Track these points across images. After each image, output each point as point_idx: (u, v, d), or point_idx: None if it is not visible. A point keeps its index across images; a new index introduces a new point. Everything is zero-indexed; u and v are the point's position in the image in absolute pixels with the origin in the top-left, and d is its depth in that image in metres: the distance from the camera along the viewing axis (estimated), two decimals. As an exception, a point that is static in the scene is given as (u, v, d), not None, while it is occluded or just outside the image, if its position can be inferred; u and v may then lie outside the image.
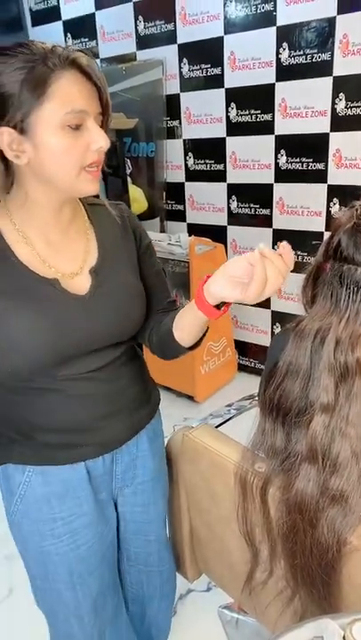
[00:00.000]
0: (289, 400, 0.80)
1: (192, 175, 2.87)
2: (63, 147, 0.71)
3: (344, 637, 0.49)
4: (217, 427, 1.29)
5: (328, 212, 2.43)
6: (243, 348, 3.04)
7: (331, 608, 0.78)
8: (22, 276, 0.78)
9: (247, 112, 2.54)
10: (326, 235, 0.82)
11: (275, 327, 2.86)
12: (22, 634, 1.53)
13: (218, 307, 0.79)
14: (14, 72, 0.67)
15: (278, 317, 2.82)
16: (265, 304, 2.81)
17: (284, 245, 0.72)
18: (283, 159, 2.50)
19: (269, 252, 0.70)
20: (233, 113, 2.59)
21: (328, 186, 2.39)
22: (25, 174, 0.75)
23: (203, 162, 2.80)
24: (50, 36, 3.13)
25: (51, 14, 3.09)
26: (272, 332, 2.88)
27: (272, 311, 2.83)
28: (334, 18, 2.14)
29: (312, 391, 0.77)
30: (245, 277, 0.71)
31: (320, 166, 2.39)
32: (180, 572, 1.21)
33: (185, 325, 0.87)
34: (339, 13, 2.12)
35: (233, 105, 2.57)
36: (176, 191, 2.97)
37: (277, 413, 0.83)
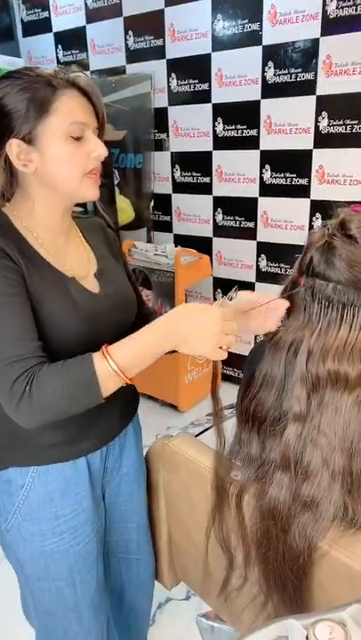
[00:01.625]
0: (264, 409, 0.83)
1: (179, 187, 2.92)
2: (67, 155, 0.80)
3: (307, 637, 0.51)
4: (197, 435, 1.31)
5: (311, 226, 2.49)
6: (227, 358, 3.06)
7: (302, 612, 0.80)
8: (51, 271, 0.84)
9: (233, 127, 2.60)
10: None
11: (258, 338, 2.90)
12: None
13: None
14: (20, 92, 0.76)
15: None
16: (249, 315, 2.84)
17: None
18: (267, 174, 2.55)
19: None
20: (220, 127, 2.64)
21: (311, 201, 2.45)
22: (32, 182, 0.83)
23: (189, 174, 2.85)
24: (41, 46, 3.17)
25: (42, 26, 3.13)
26: (255, 343, 2.92)
27: (256, 322, 2.87)
28: (318, 39, 2.21)
29: (286, 401, 0.80)
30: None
31: (303, 181, 2.45)
32: (159, 580, 1.22)
33: None
34: (322, 35, 2.20)
35: (220, 120, 2.63)
36: (163, 202, 3.01)
37: (253, 422, 0.85)
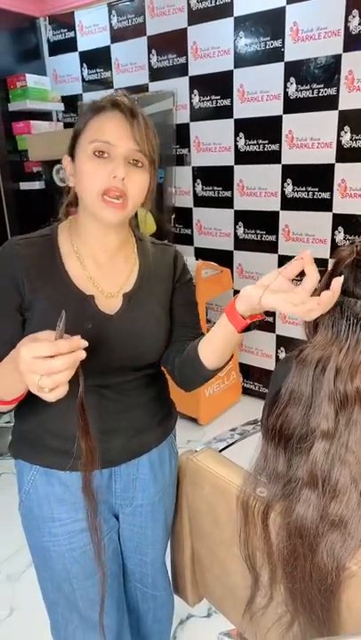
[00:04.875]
0: (291, 426, 0.83)
1: (200, 201, 2.95)
2: (87, 171, 0.82)
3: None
4: (220, 451, 1.31)
5: (333, 239, 2.48)
6: (247, 371, 3.06)
7: (330, 633, 0.78)
8: (66, 286, 0.87)
9: (255, 142, 2.62)
10: (331, 262, 0.85)
11: (279, 351, 2.88)
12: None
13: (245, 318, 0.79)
14: (84, 114, 0.86)
15: (283, 341, 2.84)
16: (269, 328, 2.84)
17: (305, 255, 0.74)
18: (289, 187, 2.56)
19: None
20: (241, 142, 2.67)
21: (333, 214, 2.45)
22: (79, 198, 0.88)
23: (211, 188, 2.88)
24: (66, 65, 3.26)
25: (68, 45, 3.22)
26: (276, 356, 2.90)
27: (277, 335, 2.86)
28: (340, 55, 2.23)
29: (313, 418, 0.79)
30: (277, 285, 0.74)
31: (325, 195, 2.45)
32: (181, 596, 1.21)
33: (212, 342, 0.87)
34: (345, 51, 2.21)
35: (241, 135, 2.66)
36: (184, 216, 3.04)
37: (279, 439, 0.85)
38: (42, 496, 0.93)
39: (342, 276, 0.75)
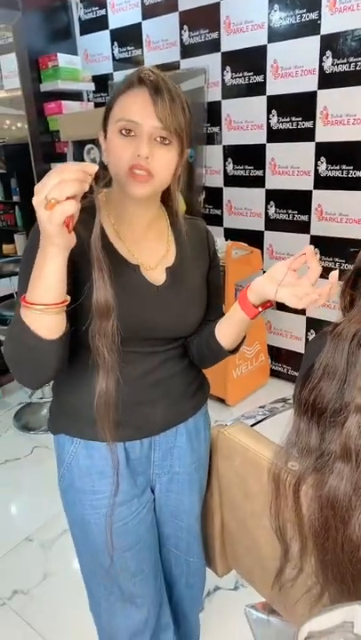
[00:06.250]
0: (324, 400, 0.83)
1: (231, 180, 2.91)
2: (115, 149, 0.83)
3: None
4: (252, 426, 1.32)
5: (367, 219, 2.42)
6: (276, 353, 3.04)
7: None
8: (113, 255, 0.88)
9: (288, 119, 2.56)
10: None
11: (309, 333, 2.85)
12: (56, 615, 1.60)
13: (256, 307, 0.87)
14: (114, 91, 0.85)
15: (313, 323, 2.81)
16: (300, 310, 2.81)
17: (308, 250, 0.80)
18: (323, 166, 2.50)
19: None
20: (274, 120, 2.61)
21: (368, 193, 2.38)
22: None
23: (242, 167, 2.84)
24: (97, 44, 3.24)
25: (99, 23, 3.19)
26: (306, 339, 2.88)
27: (307, 317, 2.82)
28: (380, 26, 2.14)
29: (348, 392, 0.79)
30: (285, 280, 0.80)
31: (361, 174, 2.38)
32: (211, 566, 1.24)
33: (227, 326, 0.95)
34: (384, 21, 2.13)
35: (274, 112, 2.60)
36: (214, 196, 3.01)
37: (312, 413, 0.85)
38: (83, 469, 0.95)
39: (337, 270, 0.79)
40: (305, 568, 0.89)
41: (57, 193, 0.63)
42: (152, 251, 0.94)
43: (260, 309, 0.88)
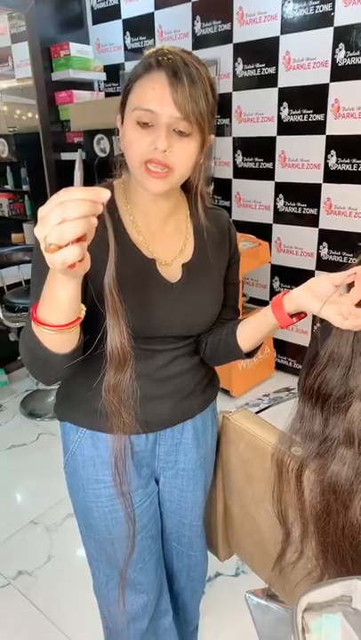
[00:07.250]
0: (329, 387, 0.84)
1: (240, 172, 2.91)
2: (130, 140, 0.78)
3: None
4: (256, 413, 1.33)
5: (377, 214, 2.41)
6: (282, 347, 3.05)
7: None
8: (128, 247, 0.86)
9: (299, 112, 2.55)
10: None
11: (315, 327, 2.86)
12: (59, 596, 1.63)
13: (291, 317, 0.85)
14: (132, 72, 0.78)
15: (319, 318, 2.81)
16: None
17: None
18: (333, 160, 2.49)
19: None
20: (285, 112, 2.61)
21: (378, 187, 2.38)
22: None
23: (251, 160, 2.83)
24: (109, 33, 3.23)
25: (111, 13, 3.18)
26: (312, 332, 2.88)
27: (313, 311, 2.82)
28: (394, 18, 2.13)
29: (352, 379, 0.80)
30: (326, 295, 0.77)
31: (371, 168, 2.37)
32: (213, 551, 1.26)
33: (251, 329, 0.92)
34: None
35: (285, 104, 2.59)
36: (223, 187, 3.01)
37: (317, 399, 0.86)
38: (87, 458, 0.96)
39: None
40: (305, 551, 0.91)
41: (56, 237, 0.51)
42: (169, 245, 0.91)
43: (294, 320, 0.84)
